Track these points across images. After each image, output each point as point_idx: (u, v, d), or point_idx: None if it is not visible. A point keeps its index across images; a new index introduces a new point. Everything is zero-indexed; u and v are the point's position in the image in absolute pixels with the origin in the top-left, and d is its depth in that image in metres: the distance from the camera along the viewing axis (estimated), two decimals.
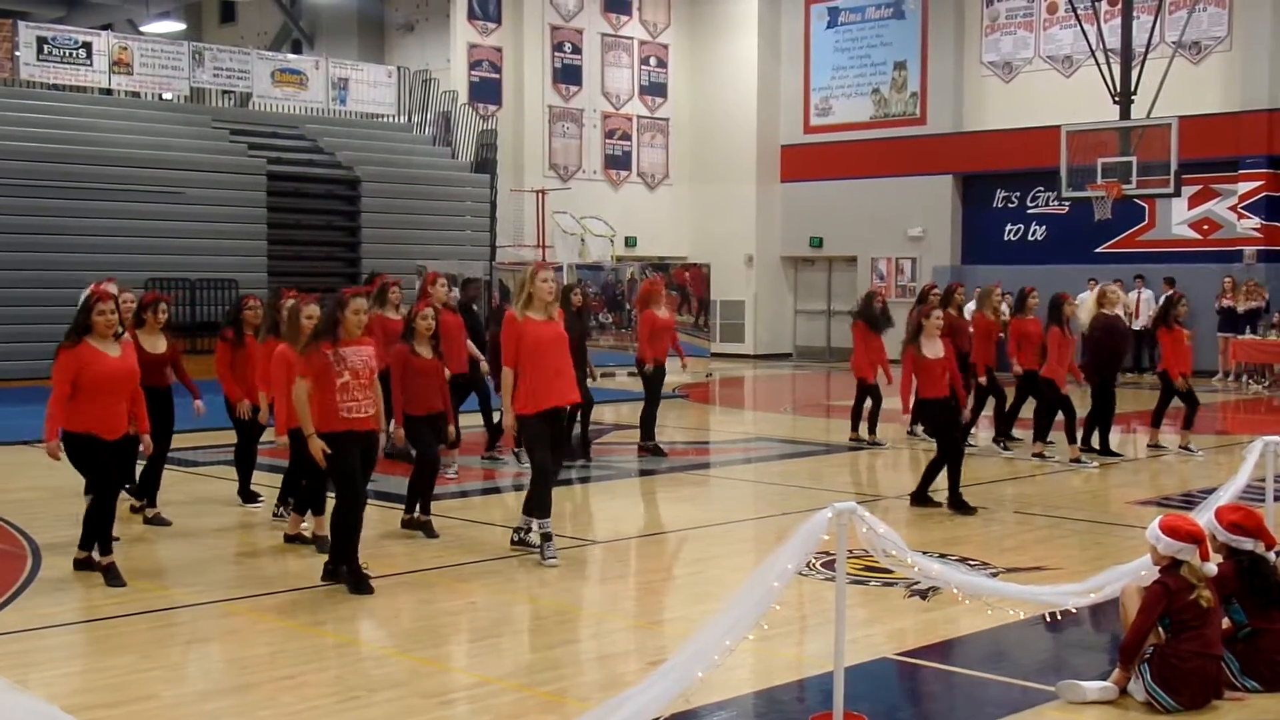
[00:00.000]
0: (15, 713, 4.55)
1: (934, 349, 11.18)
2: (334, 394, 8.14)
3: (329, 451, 8.13)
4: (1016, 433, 15.14)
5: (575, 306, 14.10)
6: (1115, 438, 14.81)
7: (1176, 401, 14.70)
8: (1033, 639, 7.32)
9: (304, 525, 9.64)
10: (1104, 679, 6.13)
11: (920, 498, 11.23)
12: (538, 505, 9.12)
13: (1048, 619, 7.20)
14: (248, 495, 11.16)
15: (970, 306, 17.38)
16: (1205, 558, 6.09)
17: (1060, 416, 13.99)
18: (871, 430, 15.33)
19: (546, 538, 9.06)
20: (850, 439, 15.47)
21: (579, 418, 13.81)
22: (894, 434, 15.77)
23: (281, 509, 10.31)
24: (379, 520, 10.07)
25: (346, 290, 8.51)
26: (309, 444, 8.18)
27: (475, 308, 14.88)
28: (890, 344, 15.29)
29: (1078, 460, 13.85)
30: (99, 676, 6.51)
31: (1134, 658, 6.03)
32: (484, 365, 13.30)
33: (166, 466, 10.74)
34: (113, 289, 9.55)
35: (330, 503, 8.75)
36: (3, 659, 6.46)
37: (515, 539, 9.38)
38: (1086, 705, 6.00)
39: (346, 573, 8.19)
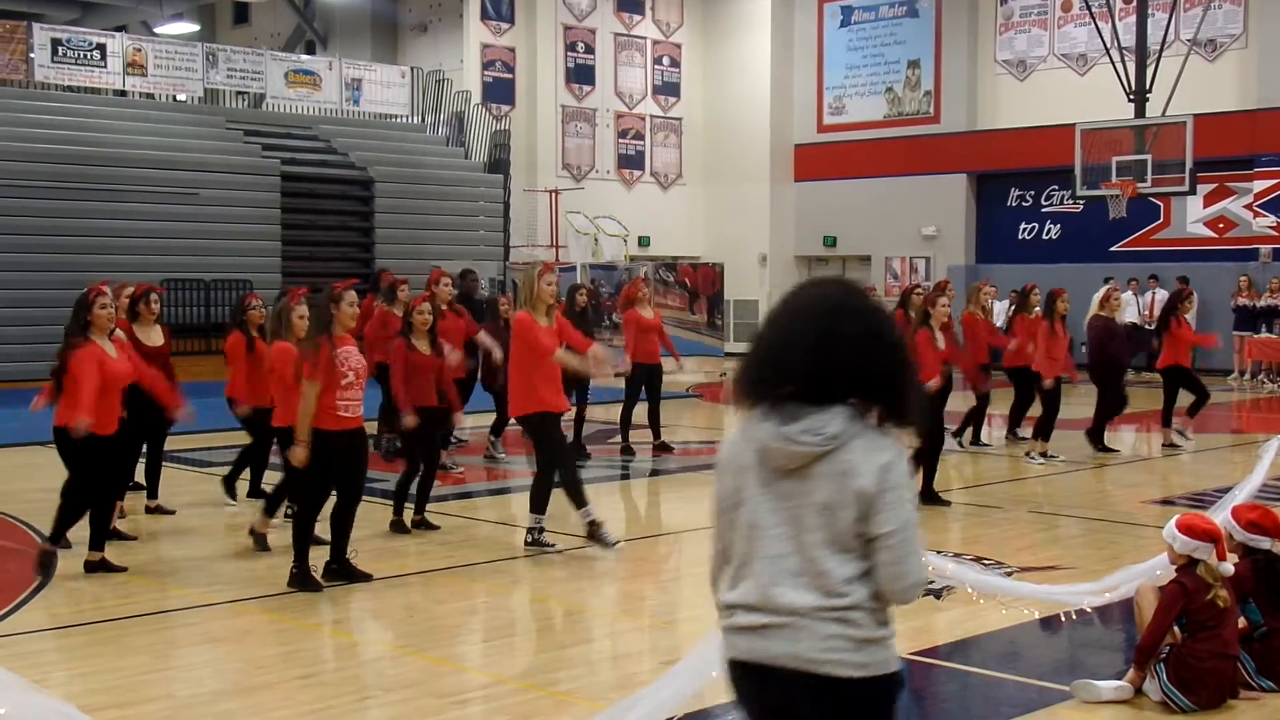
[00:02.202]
0: (34, 711, 4.56)
1: (935, 339, 11.22)
2: (335, 393, 8.13)
3: (308, 462, 8.13)
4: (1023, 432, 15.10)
5: (579, 307, 14.06)
6: (1128, 436, 14.76)
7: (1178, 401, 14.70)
8: (1047, 638, 7.30)
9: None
10: (1119, 678, 6.11)
11: (928, 495, 11.23)
12: (574, 496, 9.27)
13: (1062, 618, 7.18)
14: (258, 493, 11.22)
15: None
16: (1222, 557, 6.06)
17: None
18: None
19: (540, 531, 9.30)
20: None
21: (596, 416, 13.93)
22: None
23: (292, 509, 10.29)
24: (385, 520, 10.05)
25: (336, 285, 8.49)
26: (294, 451, 8.18)
27: (478, 300, 14.62)
28: None
29: (1029, 455, 13.82)
30: (113, 676, 6.52)
31: (1150, 657, 6.00)
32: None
33: (178, 466, 10.78)
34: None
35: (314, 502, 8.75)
36: (19, 659, 6.48)
37: (530, 539, 9.39)
38: (1101, 705, 5.98)
39: (339, 568, 8.28)
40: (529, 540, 9.37)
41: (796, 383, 3.07)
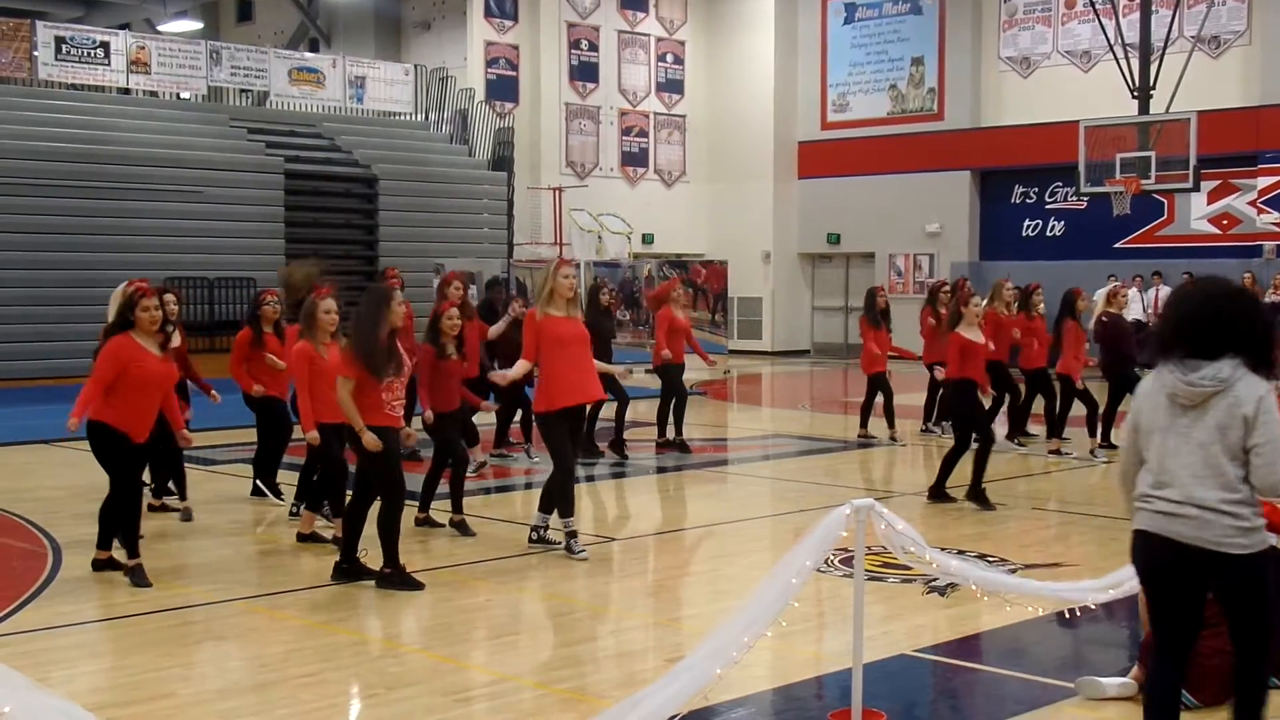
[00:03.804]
0: (36, 710, 4.56)
1: (975, 335, 11.14)
2: (380, 391, 8.15)
3: (379, 446, 8.07)
4: (1031, 428, 15.07)
5: (603, 305, 14.09)
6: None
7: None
8: (1052, 635, 7.29)
9: (318, 523, 9.64)
10: (1123, 675, 6.10)
11: (938, 493, 11.19)
12: (560, 503, 9.16)
13: (1067, 615, 7.18)
14: (259, 490, 11.25)
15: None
16: None
17: (1069, 411, 14.05)
18: (890, 425, 15.24)
19: (573, 535, 9.12)
20: (859, 435, 15.44)
21: (607, 414, 13.93)
22: (908, 429, 15.74)
23: (298, 506, 10.30)
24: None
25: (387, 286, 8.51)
26: (363, 438, 8.04)
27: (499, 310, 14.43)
28: (899, 338, 15.55)
29: (1093, 453, 13.86)
30: (118, 675, 6.53)
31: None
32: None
33: (185, 465, 10.77)
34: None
35: (345, 502, 8.77)
36: (23, 657, 6.48)
37: (534, 537, 9.38)
38: (1106, 701, 5.98)
39: (395, 575, 8.20)
40: (533, 538, 9.37)
41: (1194, 345, 4.57)
